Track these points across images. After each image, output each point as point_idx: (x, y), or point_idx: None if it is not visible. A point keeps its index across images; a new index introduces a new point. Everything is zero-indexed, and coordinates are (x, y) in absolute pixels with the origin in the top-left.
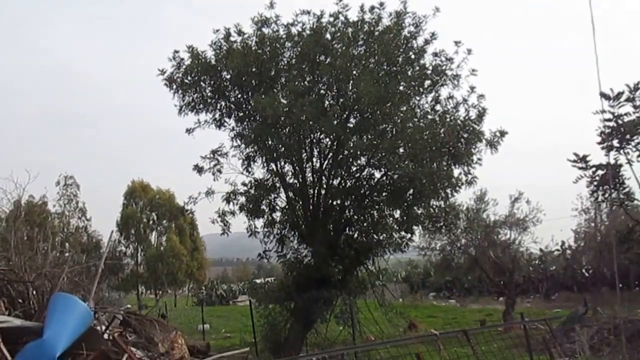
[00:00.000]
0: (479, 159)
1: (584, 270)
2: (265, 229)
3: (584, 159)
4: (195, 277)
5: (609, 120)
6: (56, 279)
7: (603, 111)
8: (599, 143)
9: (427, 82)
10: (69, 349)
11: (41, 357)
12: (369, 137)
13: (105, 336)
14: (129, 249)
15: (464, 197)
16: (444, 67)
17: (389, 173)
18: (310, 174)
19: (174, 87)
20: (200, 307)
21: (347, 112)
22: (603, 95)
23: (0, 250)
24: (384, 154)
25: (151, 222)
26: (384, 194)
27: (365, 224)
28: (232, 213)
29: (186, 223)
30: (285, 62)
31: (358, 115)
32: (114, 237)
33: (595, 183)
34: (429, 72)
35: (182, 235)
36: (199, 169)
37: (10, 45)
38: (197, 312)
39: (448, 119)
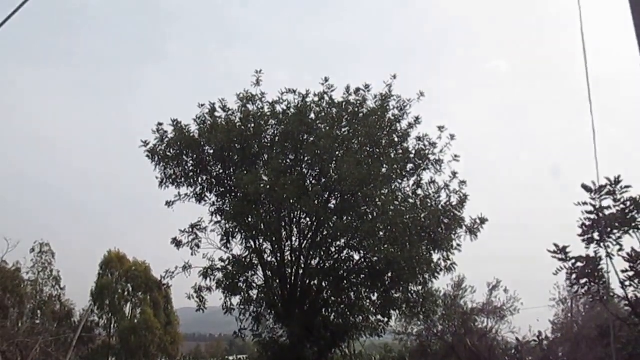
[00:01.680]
0: (459, 245)
1: None
2: (242, 307)
3: (563, 250)
4: (168, 351)
5: (590, 212)
6: (29, 350)
7: (584, 203)
8: (580, 235)
9: (410, 166)
10: None
11: None
12: (350, 218)
13: None
14: (102, 319)
15: (441, 283)
16: (427, 152)
17: (368, 256)
18: (289, 253)
19: (156, 159)
20: None
21: (328, 193)
22: (585, 187)
23: None
24: (363, 236)
25: (126, 293)
26: (362, 276)
27: (342, 306)
28: (209, 289)
29: (161, 296)
30: (269, 139)
31: (339, 196)
32: (91, 309)
33: (574, 275)
34: (412, 155)
35: (157, 309)
36: (177, 243)
37: None
38: None
39: (429, 204)
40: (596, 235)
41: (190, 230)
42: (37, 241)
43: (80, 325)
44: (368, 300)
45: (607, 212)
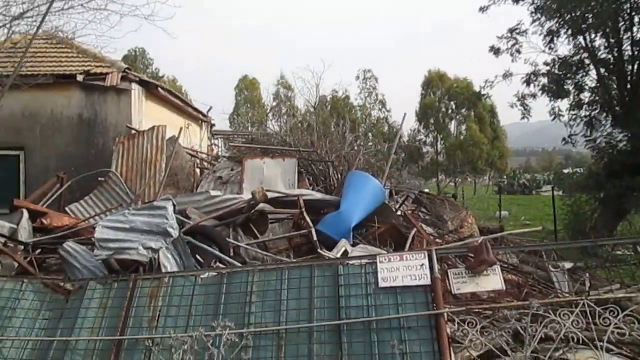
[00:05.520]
0: None
1: None
2: (571, 112)
3: None
4: (496, 166)
5: None
6: (353, 160)
7: None
8: None
9: None
10: (363, 221)
11: (338, 226)
12: None
13: (399, 213)
14: (429, 138)
15: None
16: None
17: None
18: (629, 47)
19: None
20: (499, 195)
21: None
22: None
23: (304, 135)
24: None
25: (450, 111)
26: None
27: None
28: (533, 96)
29: (486, 111)
30: None
31: None
32: (408, 126)
33: None
34: None
35: (482, 124)
36: (496, 51)
37: None
38: (497, 200)
39: None
40: None
41: (509, 35)
42: (360, 69)
43: (395, 139)
44: None
45: None
